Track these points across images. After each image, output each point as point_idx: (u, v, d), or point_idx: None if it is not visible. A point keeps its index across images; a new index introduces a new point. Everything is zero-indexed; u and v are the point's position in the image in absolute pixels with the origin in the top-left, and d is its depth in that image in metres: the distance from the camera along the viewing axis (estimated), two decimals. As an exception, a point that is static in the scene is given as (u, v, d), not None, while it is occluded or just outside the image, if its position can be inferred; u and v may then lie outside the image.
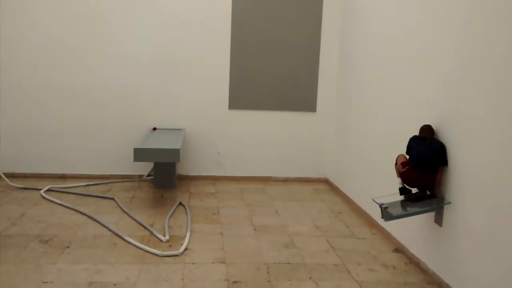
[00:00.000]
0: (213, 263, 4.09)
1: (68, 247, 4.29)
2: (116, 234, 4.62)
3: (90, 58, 6.53)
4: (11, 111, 6.49)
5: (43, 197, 5.70)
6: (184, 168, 6.95)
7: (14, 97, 6.47)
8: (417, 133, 4.03)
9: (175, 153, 5.31)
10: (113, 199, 5.76)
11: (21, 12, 6.32)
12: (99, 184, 6.44)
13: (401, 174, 3.88)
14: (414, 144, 3.93)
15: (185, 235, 4.66)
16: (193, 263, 4.06)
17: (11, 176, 6.43)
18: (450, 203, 3.68)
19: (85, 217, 5.10)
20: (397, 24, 4.81)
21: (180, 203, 5.68)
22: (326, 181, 7.12)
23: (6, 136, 6.26)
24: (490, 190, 3.22)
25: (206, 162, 6.99)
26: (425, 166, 3.74)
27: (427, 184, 3.79)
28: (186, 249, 4.35)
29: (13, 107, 6.49)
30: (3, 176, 6.19)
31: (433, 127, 3.92)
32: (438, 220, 3.83)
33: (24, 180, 6.40)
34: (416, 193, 3.91)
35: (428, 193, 3.85)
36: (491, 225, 3.19)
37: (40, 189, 5.95)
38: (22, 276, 3.69)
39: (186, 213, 5.32)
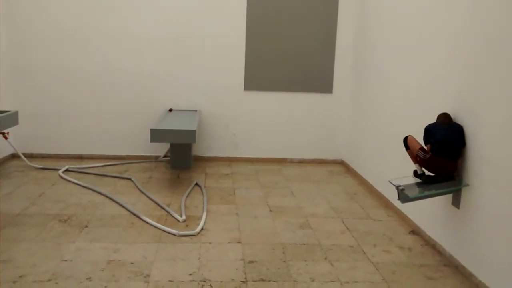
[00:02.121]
0: (229, 243, 4.13)
1: (86, 226, 4.36)
2: (134, 214, 4.68)
3: (108, 41, 6.54)
4: (30, 93, 6.56)
5: (61, 177, 5.79)
6: (200, 149, 6.98)
7: (33, 79, 6.54)
8: (433, 115, 3.98)
9: (191, 134, 5.32)
10: (130, 179, 5.82)
11: (38, -7, 6.37)
12: (116, 165, 6.51)
13: (422, 161, 3.82)
14: (433, 130, 3.83)
15: (201, 215, 4.70)
16: (210, 243, 4.10)
17: (30, 156, 6.53)
18: (468, 185, 3.64)
19: (103, 197, 5.17)
20: (415, 4, 4.72)
21: (196, 184, 5.72)
22: (341, 163, 7.10)
23: (25, 118, 6.33)
24: (509, 172, 3.18)
25: (222, 143, 7.00)
26: (450, 151, 3.68)
27: (450, 169, 3.74)
28: (202, 229, 4.39)
29: (32, 89, 6.56)
30: (22, 156, 6.29)
31: (451, 108, 3.87)
32: (456, 202, 3.80)
33: (43, 161, 6.50)
34: (433, 175, 3.87)
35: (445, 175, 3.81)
36: (510, 207, 3.16)
37: (58, 169, 6.03)
38: (42, 254, 3.77)
39: (202, 194, 5.36)
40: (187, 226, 4.46)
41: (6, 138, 5.84)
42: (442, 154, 3.70)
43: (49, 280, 3.37)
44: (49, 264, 3.60)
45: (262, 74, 6.83)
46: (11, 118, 5.54)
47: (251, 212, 4.90)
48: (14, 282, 3.32)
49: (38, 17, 6.40)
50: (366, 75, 6.23)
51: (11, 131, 5.95)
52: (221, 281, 3.45)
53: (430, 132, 3.86)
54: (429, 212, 4.25)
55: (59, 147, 6.73)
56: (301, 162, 7.09)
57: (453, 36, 3.95)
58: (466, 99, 3.72)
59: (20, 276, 3.40)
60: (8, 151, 6.46)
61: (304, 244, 4.17)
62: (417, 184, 4.00)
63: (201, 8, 6.60)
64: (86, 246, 3.95)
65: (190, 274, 3.53)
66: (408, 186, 3.90)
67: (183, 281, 3.43)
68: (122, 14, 6.51)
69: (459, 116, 3.79)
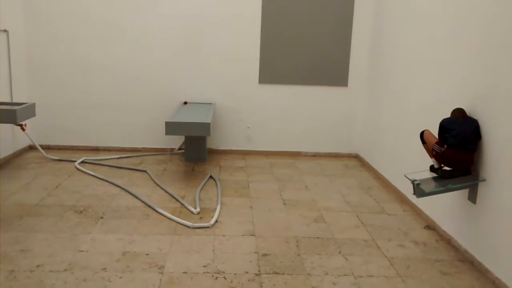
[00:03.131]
0: (243, 235, 4.14)
1: (102, 217, 4.40)
2: (149, 206, 4.71)
3: (123, 33, 6.57)
4: (47, 85, 6.63)
5: (78, 169, 5.85)
6: (214, 142, 6.99)
7: (50, 72, 6.60)
8: (449, 110, 3.93)
9: (206, 127, 5.33)
10: (145, 171, 5.86)
11: (55, -14, 6.41)
12: (131, 157, 6.56)
13: (438, 154, 3.79)
14: (447, 125, 3.80)
15: (216, 208, 4.71)
16: (224, 235, 4.12)
17: (47, 148, 6.61)
18: (485, 180, 3.60)
19: (118, 188, 5.21)
20: (434, -4, 4.66)
21: (211, 177, 5.73)
22: (356, 157, 7.06)
23: (42, 110, 6.40)
24: (528, 168, 3.13)
25: (236, 136, 7.01)
26: (466, 145, 3.64)
27: (466, 163, 3.69)
28: (216, 221, 4.41)
29: (49, 81, 6.63)
30: (39, 148, 6.37)
31: (467, 102, 3.82)
32: (472, 198, 3.76)
33: (59, 152, 6.57)
34: (449, 170, 3.83)
35: (462, 170, 3.77)
36: (528, 203, 3.12)
37: (75, 161, 6.10)
38: (59, 244, 3.82)
39: (217, 187, 5.38)
40: (201, 218, 4.48)
41: (23, 129, 5.92)
42: (457, 147, 3.66)
43: (65, 270, 3.42)
44: (65, 254, 3.65)
45: (276, 67, 6.81)
46: (29, 110, 5.61)
47: (265, 205, 4.91)
48: (31, 271, 3.38)
49: (55, 9, 6.45)
50: (382, 68, 6.18)
51: (28, 122, 6.03)
52: (235, 274, 3.47)
53: (444, 126, 3.82)
54: (445, 207, 4.21)
55: (75, 139, 6.80)
56: (316, 155, 7.07)
57: (470, 31, 3.89)
58: (483, 94, 3.66)
59: (37, 266, 3.45)
60: (26, 142, 6.54)
61: (318, 237, 4.16)
62: (433, 178, 3.96)
63: (216, 1, 6.59)
64: (101, 237, 3.99)
65: (204, 266, 3.56)
66: (424, 180, 3.87)
67: (197, 273, 3.45)
68: (138, 7, 6.52)
69: (476, 111, 3.74)
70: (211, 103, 6.75)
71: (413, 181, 3.75)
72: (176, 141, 6.87)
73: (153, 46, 6.64)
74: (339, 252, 3.89)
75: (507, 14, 3.40)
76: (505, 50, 3.40)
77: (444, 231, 4.23)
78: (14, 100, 6.09)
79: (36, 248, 3.72)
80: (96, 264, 3.52)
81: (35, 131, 6.51)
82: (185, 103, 6.74)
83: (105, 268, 3.47)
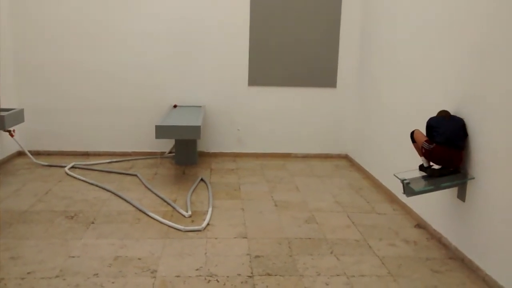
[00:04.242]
0: (235, 238, 4.14)
1: (93, 222, 4.38)
2: (140, 210, 4.70)
3: (112, 37, 6.55)
4: (35, 90, 6.58)
5: (68, 174, 5.81)
6: (205, 145, 6.99)
7: (38, 76, 6.56)
8: (438, 109, 3.99)
9: (196, 130, 5.34)
10: (136, 175, 5.84)
11: (42, -9, 6.38)
12: (122, 161, 6.53)
13: (428, 152, 3.83)
14: (435, 123, 3.85)
15: (207, 211, 4.71)
16: (216, 238, 4.12)
17: (36, 153, 6.57)
18: (473, 178, 3.64)
19: (109, 193, 5.19)
20: (420, -3, 4.71)
21: (202, 180, 5.73)
22: (346, 157, 7.10)
23: (31, 115, 6.36)
24: (515, 165, 3.17)
25: (227, 139, 7.02)
26: (454, 141, 3.68)
27: (454, 160, 3.73)
28: (208, 224, 4.41)
29: (37, 86, 6.58)
30: (28, 153, 6.32)
31: (455, 102, 3.87)
32: (461, 196, 3.80)
33: (49, 158, 6.53)
34: (439, 168, 3.87)
35: (451, 168, 3.81)
36: (516, 200, 3.16)
37: (65, 166, 6.06)
38: (49, 250, 3.79)
39: (208, 189, 5.38)
40: (193, 221, 4.48)
41: (12, 135, 5.89)
42: (446, 144, 3.70)
43: (57, 276, 3.40)
44: (56, 260, 3.63)
45: (266, 69, 6.82)
46: (17, 116, 5.58)
47: (257, 207, 4.92)
48: (22, 278, 3.35)
49: (43, 12, 6.41)
50: (371, 69, 6.22)
51: (17, 128, 5.99)
52: (228, 276, 3.47)
53: (432, 125, 3.88)
54: (435, 205, 4.25)
55: (65, 144, 6.75)
56: (306, 156, 7.10)
57: (459, 31, 3.94)
58: (473, 92, 3.71)
59: (28, 273, 3.43)
60: (14, 148, 6.49)
61: (309, 238, 4.18)
62: (423, 177, 4.00)
63: (205, 4, 6.60)
64: (93, 242, 3.97)
65: (197, 269, 3.56)
66: (414, 179, 3.91)
67: (190, 276, 3.45)
68: (127, 10, 6.50)
69: (464, 110, 3.78)
70: (200, 106, 6.75)
71: (402, 180, 3.78)
72: (166, 145, 6.86)
73: (143, 50, 6.62)
74: (331, 252, 3.91)
75: (497, 16, 3.44)
76: (494, 51, 3.45)
77: (434, 230, 4.26)
78: (2, 106, 6.03)
79: (26, 255, 3.70)
80: (88, 269, 3.51)
81: (24, 136, 6.47)
82: (175, 106, 6.74)
83: (97, 274, 3.45)
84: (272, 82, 6.88)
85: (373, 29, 6.12)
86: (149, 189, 5.35)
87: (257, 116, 6.97)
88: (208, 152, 7.02)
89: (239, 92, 6.88)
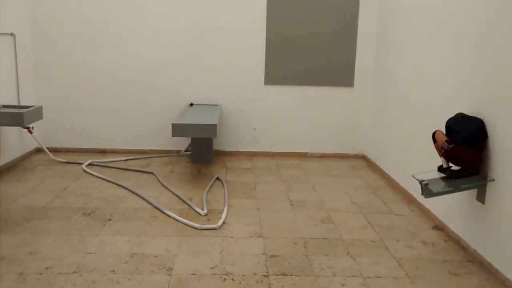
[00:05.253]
0: (250, 237, 4.14)
1: (110, 219, 4.41)
2: (156, 208, 4.72)
3: (130, 36, 6.60)
4: (54, 88, 6.66)
5: (85, 171, 5.86)
6: (221, 143, 6.99)
7: (57, 74, 6.63)
8: (456, 110, 3.93)
9: (212, 128, 5.34)
10: (152, 173, 5.87)
11: (61, -11, 6.45)
12: (138, 159, 6.57)
13: (447, 152, 3.77)
14: (453, 124, 3.81)
15: (223, 209, 4.71)
16: (231, 237, 4.12)
17: (54, 150, 6.63)
18: (493, 180, 3.58)
19: (126, 190, 5.22)
20: (440, -5, 4.65)
21: (217, 178, 5.74)
22: (363, 157, 7.04)
23: (49, 113, 6.43)
24: (537, 167, 3.11)
25: (243, 138, 7.01)
26: (474, 142, 3.63)
27: (474, 161, 3.67)
28: (224, 223, 4.41)
29: (56, 84, 6.66)
30: (46, 150, 6.39)
31: (474, 102, 3.82)
32: (481, 198, 3.74)
33: (66, 155, 6.59)
34: (458, 170, 3.81)
35: (470, 170, 3.75)
36: (537, 203, 3.10)
37: (82, 163, 6.12)
38: (67, 246, 3.83)
39: (224, 188, 5.38)
40: (208, 220, 4.48)
41: (31, 132, 5.95)
42: (465, 144, 3.64)
43: (74, 272, 3.43)
44: (74, 256, 3.66)
45: (282, 68, 6.80)
46: (36, 113, 5.64)
47: (272, 207, 4.90)
48: (40, 273, 3.39)
49: (61, 12, 6.48)
50: (388, 68, 6.16)
51: (35, 125, 6.05)
52: (243, 275, 3.47)
53: (451, 126, 3.83)
54: (453, 207, 4.19)
55: (82, 141, 6.82)
56: (322, 156, 7.06)
57: (476, 30, 3.88)
58: (491, 92, 3.65)
59: (46, 268, 3.46)
60: (33, 145, 6.57)
61: (325, 238, 4.16)
62: (441, 179, 3.94)
63: (222, 3, 6.60)
64: (109, 239, 4.00)
65: (212, 268, 3.56)
66: (432, 181, 3.85)
67: (205, 275, 3.45)
68: (144, 8, 6.54)
69: (483, 110, 3.72)
70: (217, 105, 6.76)
71: (421, 181, 3.73)
72: (182, 143, 6.88)
73: (159, 49, 6.65)
74: (347, 253, 3.88)
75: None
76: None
77: (452, 232, 4.21)
78: (21, 103, 6.12)
79: (44, 251, 3.74)
80: (105, 266, 3.53)
81: (42, 133, 6.54)
82: (191, 104, 6.75)
83: (113, 270, 3.47)
84: (289, 81, 6.86)
85: (391, 28, 6.06)
86: (165, 187, 5.37)
87: (273, 115, 6.95)
88: (224, 151, 7.02)
89: (255, 91, 6.87)
